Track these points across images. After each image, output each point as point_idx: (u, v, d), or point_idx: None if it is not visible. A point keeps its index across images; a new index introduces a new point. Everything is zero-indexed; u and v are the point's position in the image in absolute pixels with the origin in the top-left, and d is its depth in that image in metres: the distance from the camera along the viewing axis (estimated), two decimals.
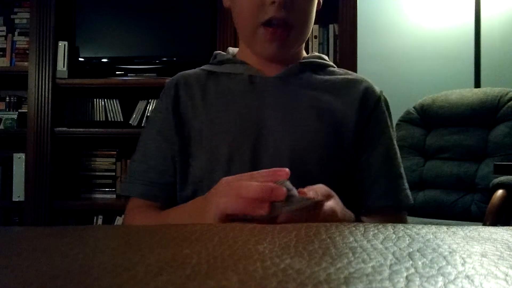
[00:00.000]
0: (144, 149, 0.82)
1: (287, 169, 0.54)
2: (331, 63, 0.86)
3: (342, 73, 0.84)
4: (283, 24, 0.75)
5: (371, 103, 0.80)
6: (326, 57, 0.87)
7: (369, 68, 2.51)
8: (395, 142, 0.82)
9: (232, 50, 0.89)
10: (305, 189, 0.57)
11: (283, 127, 0.76)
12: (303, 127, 0.77)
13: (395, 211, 0.80)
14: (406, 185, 0.79)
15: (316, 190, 0.58)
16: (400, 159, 0.81)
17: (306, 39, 0.82)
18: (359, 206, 0.76)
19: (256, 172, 0.57)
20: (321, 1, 0.84)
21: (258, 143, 0.75)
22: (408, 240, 0.34)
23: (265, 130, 0.76)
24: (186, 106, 0.80)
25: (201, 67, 0.87)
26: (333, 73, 0.84)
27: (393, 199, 0.78)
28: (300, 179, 0.71)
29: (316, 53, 0.87)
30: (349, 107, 0.79)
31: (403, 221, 0.81)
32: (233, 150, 0.75)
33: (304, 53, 0.87)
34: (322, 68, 0.84)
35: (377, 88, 0.83)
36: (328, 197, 0.59)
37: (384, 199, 0.77)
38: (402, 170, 0.81)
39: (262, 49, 0.79)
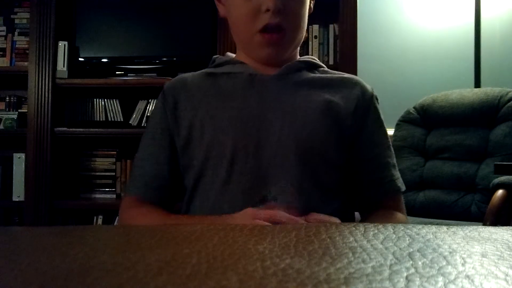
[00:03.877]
0: (141, 153, 0.87)
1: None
2: (323, 65, 0.91)
3: (336, 73, 0.90)
4: (277, 29, 0.79)
5: (367, 100, 0.86)
6: (317, 59, 0.92)
7: (369, 68, 2.50)
8: (388, 135, 0.88)
9: (231, 54, 0.93)
10: (310, 217, 0.68)
11: (285, 119, 0.79)
12: (305, 118, 0.80)
13: (394, 196, 0.86)
14: (399, 173, 0.87)
15: (317, 218, 0.69)
16: (392, 149, 0.87)
17: (300, 42, 0.88)
18: (359, 196, 0.85)
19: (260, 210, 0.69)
20: (312, 7, 0.88)
21: (261, 135, 0.78)
22: (408, 240, 0.34)
23: (267, 123, 0.79)
24: (186, 108, 0.83)
25: (200, 71, 0.90)
26: (327, 72, 0.89)
27: (393, 187, 0.84)
28: (305, 170, 0.78)
29: (308, 56, 0.92)
30: (347, 102, 0.83)
31: (402, 204, 0.87)
32: (237, 143, 0.78)
33: (298, 57, 0.91)
34: (316, 67, 0.89)
35: (369, 86, 0.88)
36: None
37: (387, 188, 0.84)
38: (395, 159, 0.87)
39: (259, 53, 0.84)
